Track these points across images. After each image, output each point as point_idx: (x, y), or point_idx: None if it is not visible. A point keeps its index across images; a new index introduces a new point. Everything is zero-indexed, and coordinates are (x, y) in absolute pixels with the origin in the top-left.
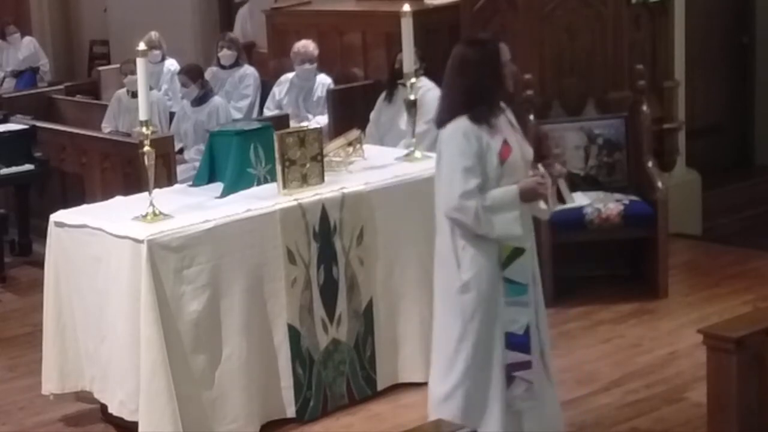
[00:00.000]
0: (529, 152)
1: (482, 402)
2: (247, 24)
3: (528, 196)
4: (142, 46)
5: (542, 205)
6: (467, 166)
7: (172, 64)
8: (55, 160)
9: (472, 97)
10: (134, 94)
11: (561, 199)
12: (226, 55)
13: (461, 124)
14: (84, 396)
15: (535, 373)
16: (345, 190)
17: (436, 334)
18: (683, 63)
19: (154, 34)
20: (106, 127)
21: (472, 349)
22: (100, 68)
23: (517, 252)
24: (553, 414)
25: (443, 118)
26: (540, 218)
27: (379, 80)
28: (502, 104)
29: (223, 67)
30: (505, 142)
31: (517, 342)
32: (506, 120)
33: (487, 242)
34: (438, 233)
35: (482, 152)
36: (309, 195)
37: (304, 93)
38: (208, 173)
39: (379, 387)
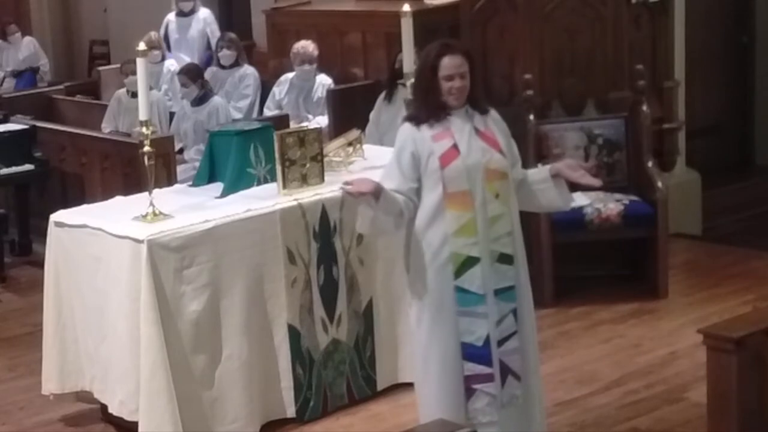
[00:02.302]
0: (500, 159)
1: (441, 410)
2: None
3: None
4: (142, 46)
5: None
6: (389, 169)
7: (172, 64)
8: (55, 160)
9: (415, 98)
10: (134, 94)
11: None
12: (226, 55)
13: (405, 124)
14: (84, 396)
15: (498, 387)
16: None
17: None
18: (683, 63)
19: (154, 34)
20: (106, 127)
21: (426, 330)
22: (100, 68)
23: (470, 261)
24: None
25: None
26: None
27: (379, 80)
28: (469, 109)
29: (223, 67)
30: (454, 147)
31: (475, 353)
32: (468, 125)
33: (437, 249)
34: None
35: (419, 155)
36: (309, 195)
37: (304, 93)
38: (208, 173)
39: (379, 387)
